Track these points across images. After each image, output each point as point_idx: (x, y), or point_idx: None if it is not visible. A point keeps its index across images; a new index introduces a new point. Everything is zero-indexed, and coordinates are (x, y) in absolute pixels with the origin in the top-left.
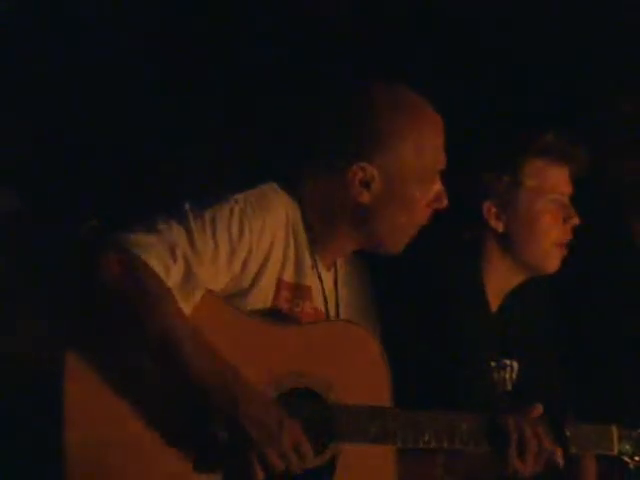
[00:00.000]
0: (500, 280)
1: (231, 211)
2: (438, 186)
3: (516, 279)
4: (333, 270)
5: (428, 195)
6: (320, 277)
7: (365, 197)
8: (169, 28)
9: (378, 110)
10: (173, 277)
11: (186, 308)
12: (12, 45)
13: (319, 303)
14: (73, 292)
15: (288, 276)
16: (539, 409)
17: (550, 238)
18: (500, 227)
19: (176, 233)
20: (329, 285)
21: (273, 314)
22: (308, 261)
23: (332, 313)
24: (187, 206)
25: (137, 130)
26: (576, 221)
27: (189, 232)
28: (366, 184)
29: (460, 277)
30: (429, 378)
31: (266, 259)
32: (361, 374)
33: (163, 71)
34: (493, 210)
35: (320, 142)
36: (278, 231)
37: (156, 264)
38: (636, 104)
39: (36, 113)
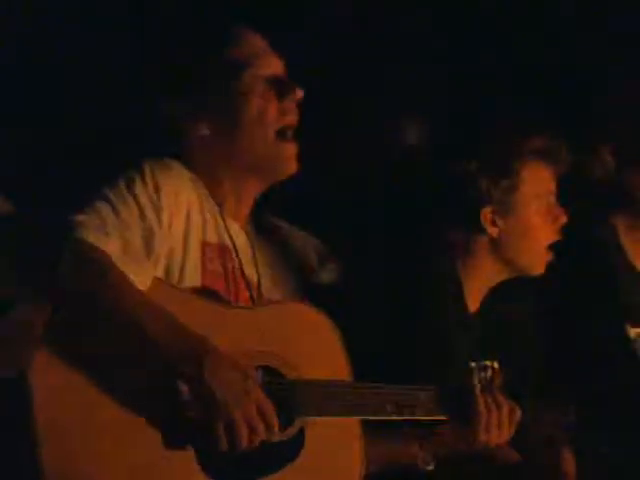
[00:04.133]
0: (484, 279)
1: (142, 174)
2: (280, 82)
3: (499, 277)
4: (245, 232)
5: (265, 92)
6: (232, 238)
7: (202, 129)
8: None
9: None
10: (112, 250)
11: (139, 276)
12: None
13: (237, 263)
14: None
15: (210, 237)
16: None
17: (543, 242)
18: (495, 233)
19: (101, 208)
20: (243, 245)
21: (214, 294)
22: (221, 222)
23: (249, 272)
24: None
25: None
26: (564, 220)
27: (111, 203)
28: (194, 117)
29: (438, 278)
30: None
31: (187, 219)
32: (318, 351)
33: None
34: (489, 216)
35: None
36: (190, 193)
37: (96, 240)
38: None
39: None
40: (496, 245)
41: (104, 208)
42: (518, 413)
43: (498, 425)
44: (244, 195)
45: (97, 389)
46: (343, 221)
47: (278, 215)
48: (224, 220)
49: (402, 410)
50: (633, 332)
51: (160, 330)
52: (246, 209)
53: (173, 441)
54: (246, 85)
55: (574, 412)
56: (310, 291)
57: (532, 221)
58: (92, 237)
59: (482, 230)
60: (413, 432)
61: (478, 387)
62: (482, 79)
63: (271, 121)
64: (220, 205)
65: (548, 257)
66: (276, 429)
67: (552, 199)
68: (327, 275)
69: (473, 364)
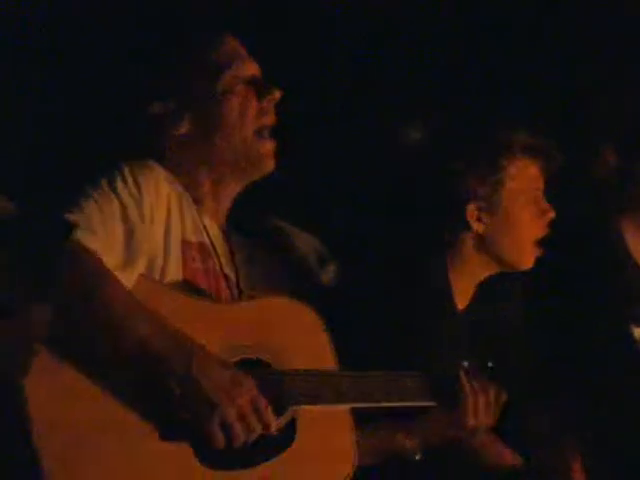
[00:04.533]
0: (471, 275)
1: (121, 173)
2: (256, 83)
3: (487, 273)
4: (222, 231)
5: (245, 93)
6: (210, 237)
7: (181, 129)
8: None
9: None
10: (99, 247)
11: (125, 273)
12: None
13: (216, 260)
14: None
15: (190, 236)
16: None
17: (530, 237)
18: (481, 229)
19: (85, 207)
20: (221, 244)
21: (196, 289)
22: (199, 221)
23: (227, 271)
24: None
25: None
26: (552, 215)
27: (95, 201)
28: (177, 116)
29: (426, 280)
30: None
31: (168, 217)
32: (303, 342)
33: None
34: (475, 213)
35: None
36: (170, 191)
37: (81, 237)
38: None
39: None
40: (482, 241)
41: (89, 206)
42: (504, 397)
43: (485, 409)
44: (222, 195)
45: (93, 388)
46: (340, 220)
47: (278, 215)
48: (202, 219)
49: (390, 397)
50: (638, 332)
51: (149, 329)
52: (224, 209)
53: (170, 437)
54: (226, 85)
55: (575, 413)
56: (309, 290)
57: (518, 217)
58: (81, 236)
59: (468, 227)
60: (399, 422)
61: (463, 373)
62: (475, 77)
63: (250, 120)
64: (198, 204)
65: (536, 252)
66: (272, 424)
67: (540, 195)
68: (326, 276)
69: (465, 363)
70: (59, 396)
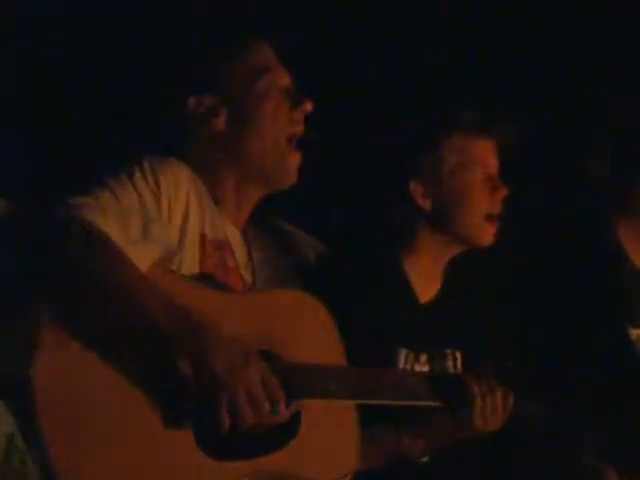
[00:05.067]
0: (433, 257)
1: (141, 167)
2: (291, 92)
3: (450, 253)
4: (241, 233)
5: (280, 100)
6: (228, 237)
7: (217, 124)
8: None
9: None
10: (111, 231)
11: (138, 259)
12: None
13: (232, 261)
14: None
15: (208, 231)
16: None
17: (479, 210)
18: (428, 205)
19: (100, 194)
20: (239, 246)
21: (210, 278)
22: (218, 220)
23: (244, 273)
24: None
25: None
26: (504, 192)
27: (111, 190)
28: (211, 112)
29: (379, 273)
30: None
31: (186, 212)
32: (313, 336)
33: None
34: (420, 189)
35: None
36: (190, 188)
37: (94, 219)
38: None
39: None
40: (433, 219)
41: (104, 194)
42: (511, 399)
43: (493, 410)
44: (243, 199)
45: (98, 369)
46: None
47: (279, 215)
48: (221, 219)
49: (397, 395)
50: (634, 333)
51: (160, 307)
52: (245, 213)
53: (173, 420)
54: (263, 89)
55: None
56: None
57: (466, 191)
58: (92, 216)
59: (416, 205)
60: (405, 425)
61: (471, 374)
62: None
63: (283, 127)
64: (218, 204)
65: (492, 228)
66: (283, 406)
67: (490, 171)
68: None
69: (448, 350)
70: (64, 378)
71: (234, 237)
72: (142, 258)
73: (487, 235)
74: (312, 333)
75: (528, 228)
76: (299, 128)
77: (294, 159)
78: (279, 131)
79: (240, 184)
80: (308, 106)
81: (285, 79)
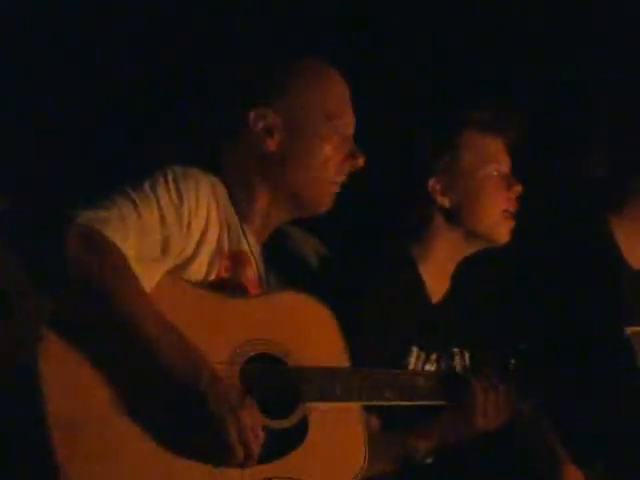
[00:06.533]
0: (447, 257)
1: (165, 178)
2: (350, 142)
3: (463, 253)
4: (260, 246)
5: (338, 147)
6: (250, 246)
7: (271, 145)
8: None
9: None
10: (129, 250)
11: (148, 280)
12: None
13: (253, 271)
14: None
15: (225, 246)
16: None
17: (496, 207)
18: (446, 202)
19: (122, 206)
20: (258, 257)
21: (219, 285)
22: (240, 232)
23: (264, 285)
24: (126, 184)
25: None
26: (519, 189)
27: (134, 203)
28: (269, 131)
29: (395, 273)
30: None
31: (206, 225)
32: (317, 338)
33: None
34: (438, 186)
35: (220, 101)
36: (211, 200)
37: (113, 236)
38: None
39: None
40: (451, 216)
41: (126, 208)
42: (512, 396)
43: (495, 408)
44: (275, 218)
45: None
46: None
47: None
48: (245, 234)
49: (402, 395)
50: (630, 331)
51: (166, 341)
52: (270, 230)
53: (173, 432)
54: (326, 132)
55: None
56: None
57: (482, 188)
58: (110, 232)
59: (433, 203)
60: (409, 426)
61: (472, 372)
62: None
63: (332, 169)
64: (245, 220)
65: (509, 224)
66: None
67: (504, 168)
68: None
69: (456, 349)
70: (71, 387)
71: (256, 252)
72: (151, 281)
73: (505, 231)
74: (316, 335)
75: (528, 228)
76: (344, 178)
77: (334, 189)
78: (327, 172)
79: (272, 205)
80: (360, 162)
81: (350, 128)
